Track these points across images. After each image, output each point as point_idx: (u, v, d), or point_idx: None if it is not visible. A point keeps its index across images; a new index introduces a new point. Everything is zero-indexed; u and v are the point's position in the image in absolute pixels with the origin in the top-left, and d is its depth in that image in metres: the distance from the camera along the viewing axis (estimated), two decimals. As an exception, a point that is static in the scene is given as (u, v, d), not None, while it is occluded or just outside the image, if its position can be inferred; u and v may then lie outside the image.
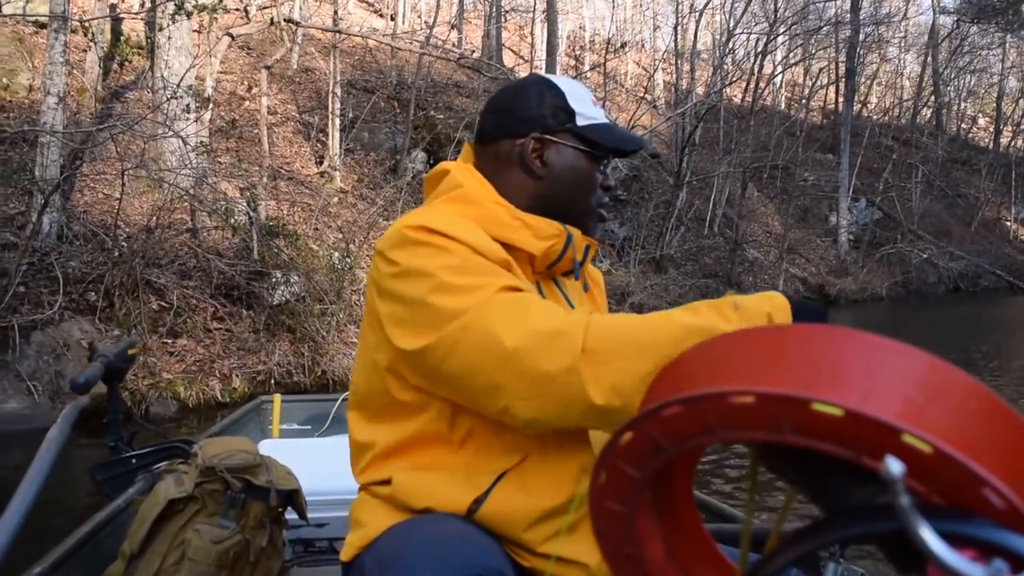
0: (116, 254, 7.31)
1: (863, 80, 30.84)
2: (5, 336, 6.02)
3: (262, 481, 1.73)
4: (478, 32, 23.14)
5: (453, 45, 21.96)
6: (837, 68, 27.77)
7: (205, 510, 1.68)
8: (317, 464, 2.18)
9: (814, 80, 28.07)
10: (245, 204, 9.17)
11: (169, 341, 7.03)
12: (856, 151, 25.43)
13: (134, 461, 2.10)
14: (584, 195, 1.33)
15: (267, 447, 2.28)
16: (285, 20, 11.21)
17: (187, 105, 8.32)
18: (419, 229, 1.15)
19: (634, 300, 13.94)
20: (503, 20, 23.15)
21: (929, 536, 0.41)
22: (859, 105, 30.40)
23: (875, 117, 31.88)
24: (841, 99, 26.54)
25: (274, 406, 3.23)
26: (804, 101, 27.76)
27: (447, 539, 1.04)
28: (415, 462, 1.18)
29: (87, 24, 8.51)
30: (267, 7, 13.91)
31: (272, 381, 7.20)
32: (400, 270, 1.14)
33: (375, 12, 21.94)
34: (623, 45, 28.22)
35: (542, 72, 20.92)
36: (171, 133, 7.82)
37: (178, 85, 8.04)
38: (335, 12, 13.15)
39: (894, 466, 0.42)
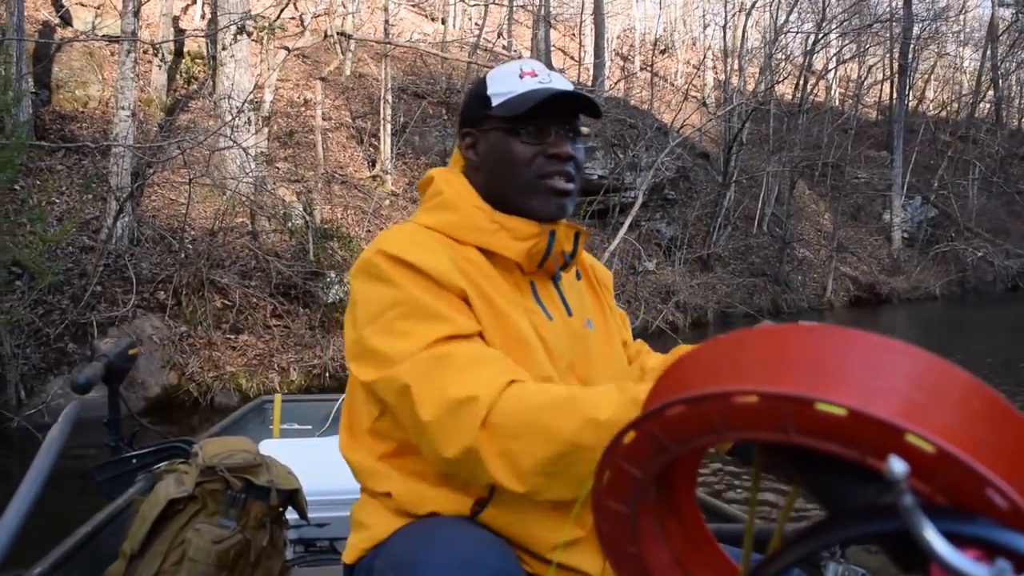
0: (183, 256, 7.79)
1: (920, 75, 30.33)
2: (84, 331, 6.50)
3: (263, 481, 1.72)
4: (528, 33, 23.37)
5: (503, 48, 22.25)
6: (891, 63, 27.33)
7: (205, 510, 1.68)
8: (318, 464, 2.15)
9: (864, 77, 27.61)
10: (301, 208, 9.63)
11: (232, 336, 7.47)
12: (911, 148, 25.05)
13: (134, 461, 2.09)
14: (512, 171, 1.26)
15: (268, 447, 2.27)
16: (338, 33, 11.64)
17: (248, 118, 8.79)
18: (382, 256, 1.17)
19: (679, 299, 14.08)
20: (554, 20, 23.37)
21: (933, 536, 0.41)
22: (915, 101, 29.90)
23: (932, 112, 31.30)
24: (895, 95, 26.17)
25: (275, 406, 3.19)
26: (856, 98, 27.36)
27: (466, 541, 1.04)
28: (408, 470, 1.18)
29: (157, 46, 9.02)
30: (321, 15, 14.36)
31: (327, 374, 7.60)
32: (358, 306, 1.19)
33: (426, 16, 22.32)
34: (664, 50, 28.13)
35: (590, 73, 21.10)
36: (234, 145, 8.28)
37: (244, 102, 8.51)
38: (386, 21, 13.55)
39: (897, 466, 0.42)
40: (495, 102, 1.27)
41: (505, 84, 1.27)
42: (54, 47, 10.34)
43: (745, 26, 21.43)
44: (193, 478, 1.69)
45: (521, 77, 1.27)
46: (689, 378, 0.55)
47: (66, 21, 11.79)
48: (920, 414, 0.45)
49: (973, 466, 0.44)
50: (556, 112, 1.25)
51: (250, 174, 8.98)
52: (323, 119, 11.89)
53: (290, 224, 9.07)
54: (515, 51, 22.42)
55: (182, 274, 7.52)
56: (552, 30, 24.02)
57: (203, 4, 14.36)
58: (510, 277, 1.26)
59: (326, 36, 11.65)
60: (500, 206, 1.26)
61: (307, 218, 9.21)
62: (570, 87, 1.26)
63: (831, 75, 28.25)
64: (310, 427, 3.22)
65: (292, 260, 8.67)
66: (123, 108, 7.71)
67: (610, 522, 0.63)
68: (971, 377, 0.48)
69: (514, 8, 20.98)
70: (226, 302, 7.72)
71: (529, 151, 1.25)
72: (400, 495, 1.17)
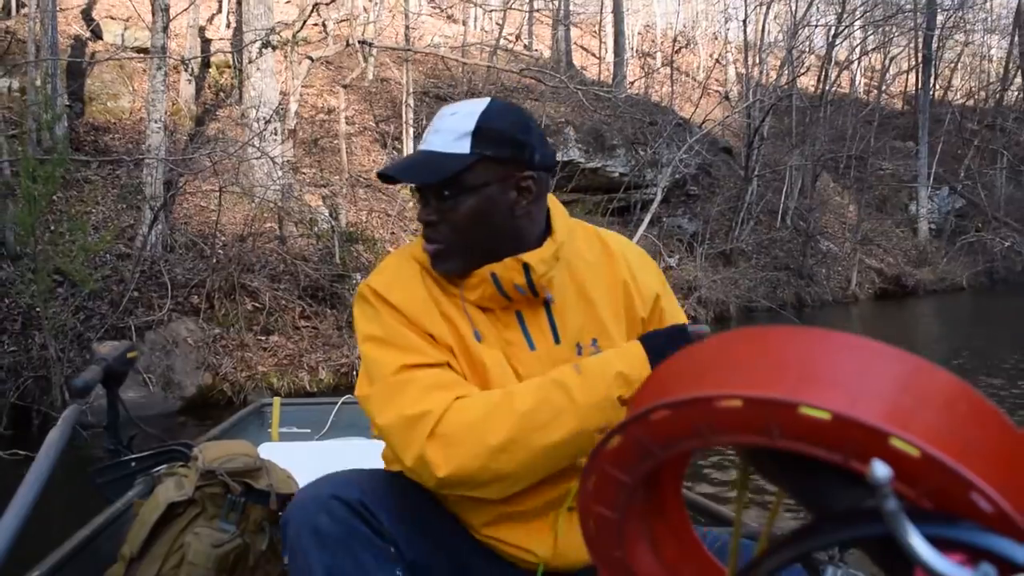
0: (215, 261, 8.04)
1: (946, 64, 30.05)
2: (123, 335, 6.76)
3: (262, 485, 1.74)
4: (550, 31, 23.49)
5: (524, 46, 22.38)
6: (917, 53, 27.11)
7: (205, 513, 1.69)
8: (317, 467, 2.20)
9: (887, 67, 27.36)
10: (327, 212, 9.89)
11: (263, 338, 7.71)
12: (937, 137, 24.86)
13: (133, 464, 2.10)
14: None
15: (267, 450, 2.29)
16: (360, 42, 11.89)
17: (274, 128, 9.07)
18: (369, 290, 1.32)
19: (701, 294, 14.17)
20: (574, 19, 23.45)
21: (916, 540, 0.42)
22: (941, 91, 29.64)
23: (959, 101, 30.98)
24: (920, 85, 26.00)
25: (274, 409, 3.19)
26: (879, 90, 27.16)
27: (329, 479, 1.24)
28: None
29: (187, 62, 9.35)
30: (344, 20, 14.58)
31: (354, 373, 7.82)
32: (355, 326, 1.35)
33: (447, 17, 22.49)
34: (686, 45, 28.09)
35: (610, 70, 21.20)
36: (261, 154, 8.55)
37: (272, 115, 8.78)
38: (407, 26, 13.78)
39: (880, 470, 0.42)
40: None
41: None
42: (89, 65, 10.68)
43: (765, 20, 21.43)
44: (193, 482, 1.72)
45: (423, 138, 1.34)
46: (673, 382, 0.55)
47: (96, 35, 12.16)
48: (904, 418, 0.45)
49: (958, 470, 0.44)
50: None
51: (277, 181, 9.25)
52: (347, 123, 12.14)
53: (316, 229, 9.33)
54: (536, 50, 22.55)
55: (214, 279, 7.76)
56: (574, 28, 24.12)
57: (228, 13, 14.70)
58: (493, 313, 1.32)
59: (348, 44, 11.90)
60: None
61: (332, 222, 9.47)
62: (435, 149, 1.28)
63: (855, 66, 28.08)
64: (309, 430, 3.18)
65: (319, 263, 8.91)
66: (155, 121, 8.00)
67: (597, 526, 0.63)
68: (957, 380, 0.48)
69: (534, 9, 21.10)
70: (257, 305, 7.96)
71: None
72: (384, 454, 1.41)
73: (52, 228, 7.15)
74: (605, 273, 1.41)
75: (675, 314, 1.46)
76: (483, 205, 1.28)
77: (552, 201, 1.39)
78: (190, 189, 9.32)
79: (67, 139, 8.78)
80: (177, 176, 8.73)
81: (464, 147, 1.26)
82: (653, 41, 29.21)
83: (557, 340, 1.33)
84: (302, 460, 2.17)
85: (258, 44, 8.41)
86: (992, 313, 17.10)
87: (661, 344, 1.19)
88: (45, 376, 6.17)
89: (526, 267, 1.28)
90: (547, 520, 1.30)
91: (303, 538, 1.15)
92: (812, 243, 18.79)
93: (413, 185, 1.33)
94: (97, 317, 6.80)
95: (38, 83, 8.48)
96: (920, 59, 25.76)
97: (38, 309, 6.13)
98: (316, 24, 14.82)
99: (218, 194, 8.52)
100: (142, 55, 10.64)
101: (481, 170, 1.27)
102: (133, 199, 8.37)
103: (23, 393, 6.08)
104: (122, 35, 12.49)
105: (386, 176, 1.31)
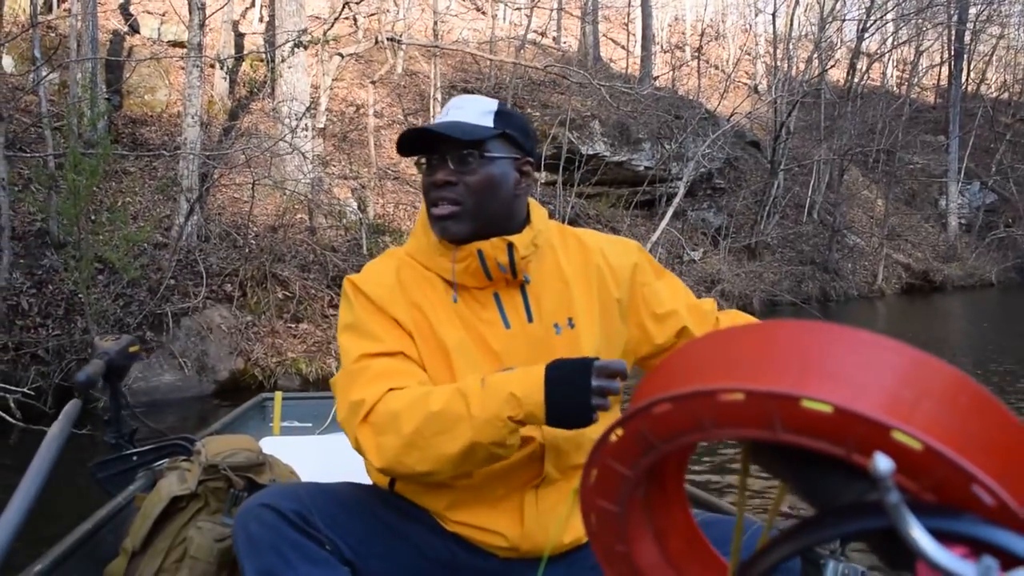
0: (247, 251, 8.32)
1: (980, 57, 29.71)
2: (161, 321, 7.08)
3: (265, 480, 1.75)
4: (579, 22, 23.53)
5: (552, 39, 22.46)
6: (950, 46, 26.83)
7: (208, 508, 1.70)
8: (318, 462, 2.17)
9: (916, 60, 27.07)
10: (355, 205, 10.14)
11: (292, 325, 7.98)
12: (969, 132, 24.63)
13: (135, 458, 2.10)
14: (424, 202, 1.44)
15: (268, 444, 2.29)
16: (388, 39, 12.13)
17: (306, 124, 9.34)
18: (350, 283, 1.45)
19: (724, 287, 14.26)
20: (603, 12, 23.45)
21: (918, 534, 0.42)
22: (974, 84, 29.31)
23: (992, 95, 30.62)
24: (951, 79, 25.74)
25: (275, 403, 3.19)
26: (909, 83, 26.92)
27: (265, 491, 1.33)
28: None
29: (224, 60, 9.64)
30: (374, 14, 14.78)
31: (379, 360, 8.07)
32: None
33: (476, 9, 22.59)
34: (711, 39, 27.98)
35: (638, 63, 21.22)
36: (293, 150, 8.83)
37: (305, 112, 9.03)
38: (435, 22, 13.98)
39: (882, 463, 0.42)
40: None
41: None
42: (133, 63, 11.00)
43: (794, 13, 21.32)
44: (196, 476, 1.72)
45: (441, 115, 1.43)
46: (675, 376, 0.55)
47: (134, 29, 12.49)
48: (906, 411, 0.45)
49: (959, 463, 0.44)
50: (436, 144, 1.38)
51: (308, 175, 9.52)
52: (375, 116, 12.37)
53: (345, 221, 9.59)
54: (565, 43, 22.65)
55: (247, 268, 8.02)
56: (603, 21, 24.14)
57: (261, 7, 14.99)
58: (468, 292, 1.42)
59: (377, 42, 12.15)
60: None
61: (360, 214, 9.73)
62: (462, 119, 1.39)
63: (885, 58, 27.84)
64: (310, 425, 3.19)
65: (347, 254, 9.16)
66: (191, 115, 8.27)
67: (599, 521, 0.62)
68: (959, 373, 0.48)
69: (561, 6, 21.18)
70: (287, 293, 8.20)
71: (424, 182, 1.42)
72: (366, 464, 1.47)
73: (93, 218, 7.45)
74: (579, 261, 1.50)
75: (672, 292, 1.54)
76: (496, 175, 1.39)
77: (531, 200, 1.52)
78: (224, 181, 9.60)
79: (108, 133, 9.09)
80: (212, 169, 9.02)
81: (489, 121, 1.39)
82: (682, 34, 29.14)
83: (530, 319, 1.42)
84: (304, 454, 2.22)
85: (290, 44, 8.66)
86: (1021, 309, 16.98)
87: (563, 373, 1.20)
88: (87, 359, 6.47)
89: (510, 247, 1.39)
90: (514, 501, 1.37)
91: (240, 546, 1.25)
92: (838, 237, 18.74)
93: (421, 158, 1.42)
94: (136, 304, 7.11)
95: (79, 78, 8.79)
96: (952, 52, 25.51)
97: (81, 295, 6.43)
98: (347, 18, 15.02)
99: (251, 187, 8.81)
100: (179, 51, 10.93)
101: (500, 144, 1.40)
102: (170, 191, 8.68)
103: (67, 375, 6.40)
104: (158, 29, 12.81)
105: (407, 144, 1.40)
